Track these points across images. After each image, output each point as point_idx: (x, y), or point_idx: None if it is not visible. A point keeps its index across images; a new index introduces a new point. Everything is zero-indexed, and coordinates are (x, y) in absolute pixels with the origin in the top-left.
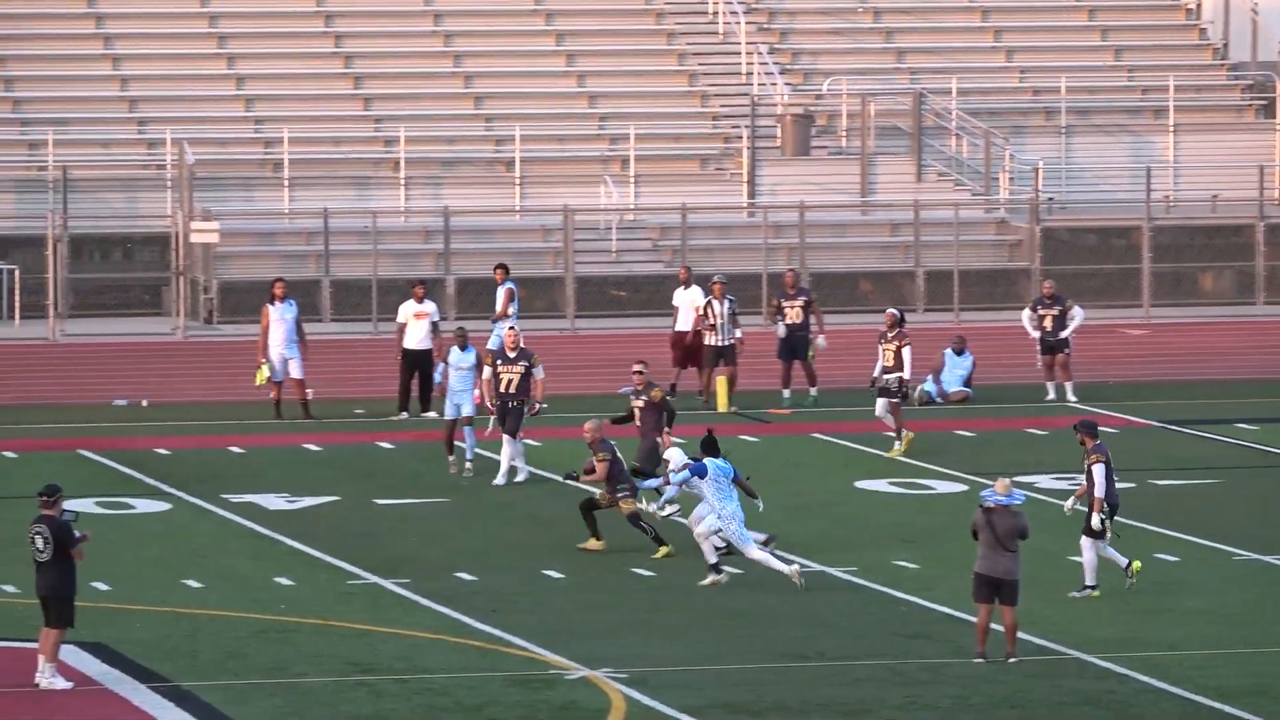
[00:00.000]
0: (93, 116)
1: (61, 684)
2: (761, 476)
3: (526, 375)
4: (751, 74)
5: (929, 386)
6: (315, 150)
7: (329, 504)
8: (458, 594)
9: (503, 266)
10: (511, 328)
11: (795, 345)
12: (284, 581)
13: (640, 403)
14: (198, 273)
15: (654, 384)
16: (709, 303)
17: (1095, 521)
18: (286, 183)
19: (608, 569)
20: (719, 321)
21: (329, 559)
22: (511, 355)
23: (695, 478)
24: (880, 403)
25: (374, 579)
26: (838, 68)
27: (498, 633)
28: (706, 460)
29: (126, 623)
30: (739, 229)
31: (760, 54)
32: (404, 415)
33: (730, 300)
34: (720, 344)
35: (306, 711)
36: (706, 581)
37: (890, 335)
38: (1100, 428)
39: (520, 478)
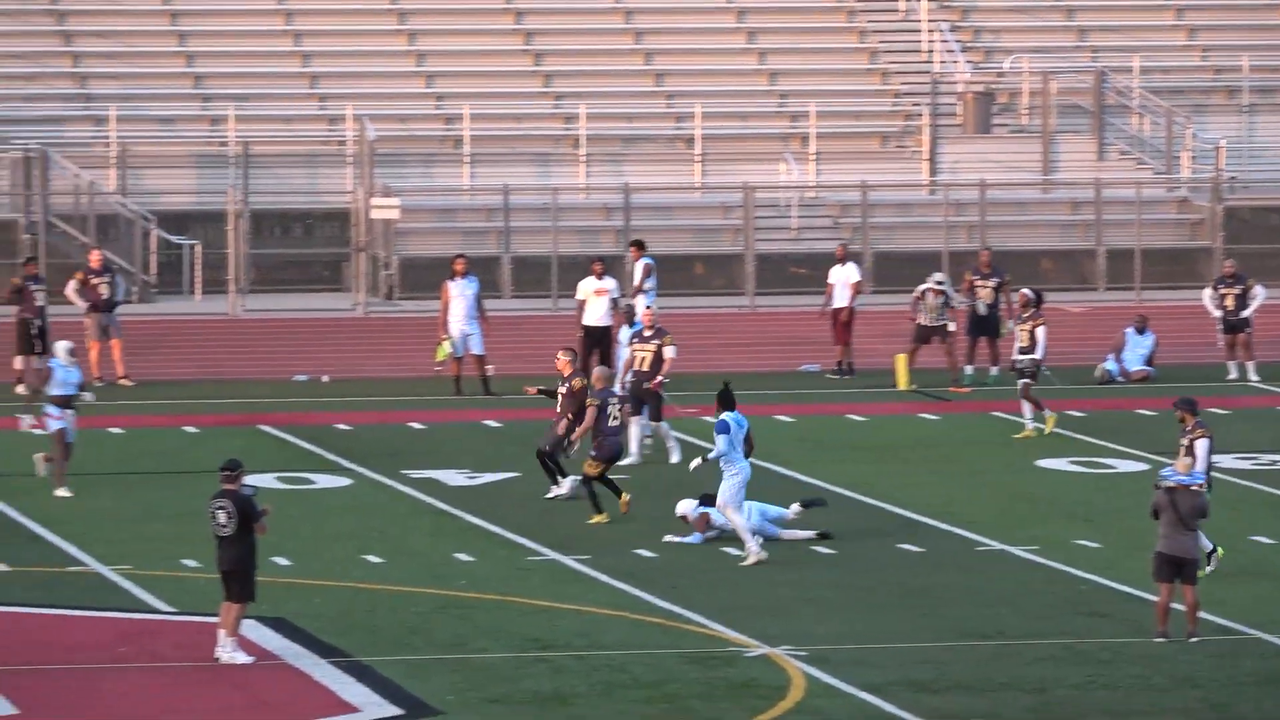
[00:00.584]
0: (274, 93)
1: (242, 658)
2: (941, 455)
3: (659, 354)
4: (933, 52)
5: (1110, 365)
6: (496, 127)
7: (509, 480)
8: (637, 570)
9: (638, 243)
10: (649, 306)
11: (987, 324)
12: (464, 557)
13: (563, 389)
14: (378, 249)
15: (579, 374)
16: (925, 292)
17: None
18: (467, 159)
19: (787, 546)
20: (939, 301)
21: (509, 535)
22: (648, 334)
23: (721, 436)
24: (1021, 384)
25: (553, 555)
26: (1019, 46)
27: (677, 609)
28: (725, 415)
29: (307, 597)
30: (919, 207)
31: (942, 31)
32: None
33: (941, 282)
34: (930, 324)
35: (486, 687)
36: (749, 561)
37: (1025, 316)
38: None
39: (674, 458)
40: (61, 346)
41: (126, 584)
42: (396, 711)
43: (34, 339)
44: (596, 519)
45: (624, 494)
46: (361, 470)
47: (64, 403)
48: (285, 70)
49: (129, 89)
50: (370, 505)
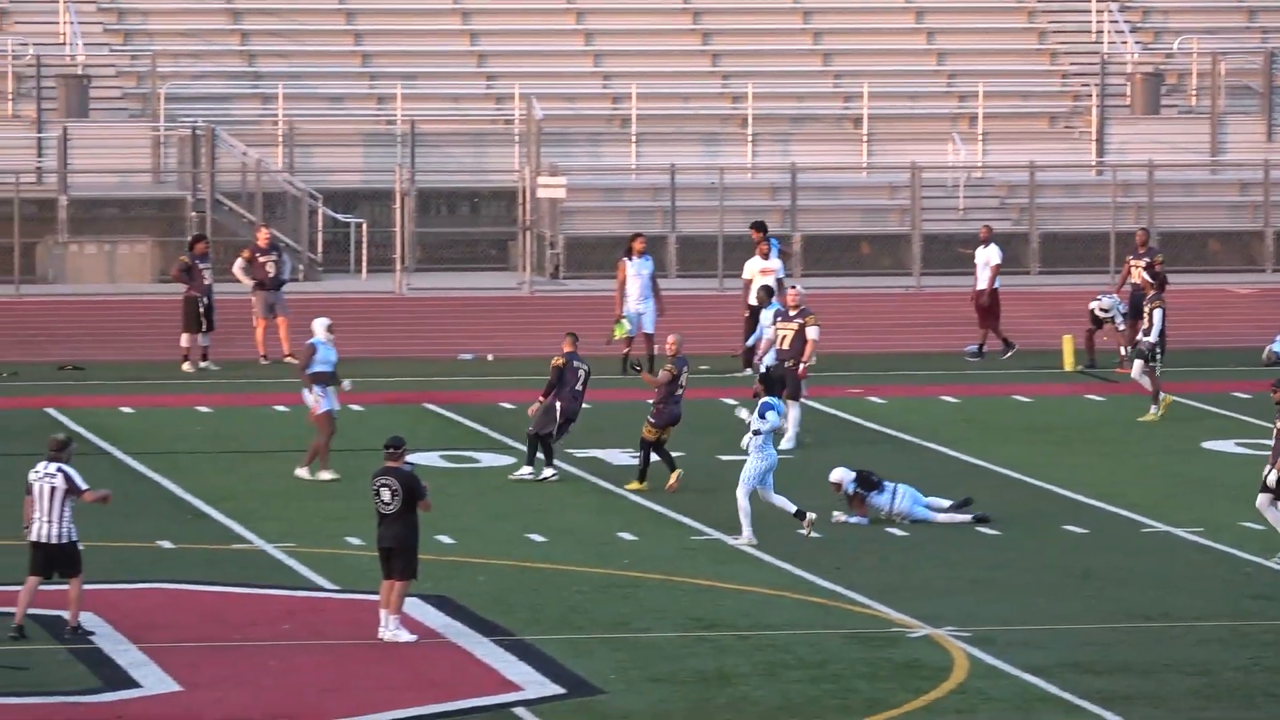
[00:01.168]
0: (442, 71)
1: (405, 636)
2: (1106, 437)
3: (801, 333)
4: (1102, 32)
5: (1278, 346)
6: (663, 106)
7: (673, 459)
8: (800, 550)
9: (759, 225)
10: (793, 286)
11: (1138, 304)
12: (627, 536)
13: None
14: (544, 228)
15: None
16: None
17: (1273, 478)
18: (634, 138)
19: (953, 529)
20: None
21: (673, 514)
22: (792, 314)
23: (771, 413)
24: (1136, 365)
25: (717, 534)
26: (1188, 26)
27: (840, 589)
28: (772, 399)
29: (471, 576)
30: (1087, 187)
31: (1110, 12)
32: (749, 371)
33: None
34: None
35: (649, 666)
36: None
37: (1150, 298)
38: None
39: (787, 444)
40: (320, 324)
41: (290, 561)
42: (559, 690)
43: (201, 316)
44: (634, 486)
45: (676, 469)
46: (525, 449)
47: (325, 380)
48: (453, 49)
49: (297, 67)
50: (534, 484)
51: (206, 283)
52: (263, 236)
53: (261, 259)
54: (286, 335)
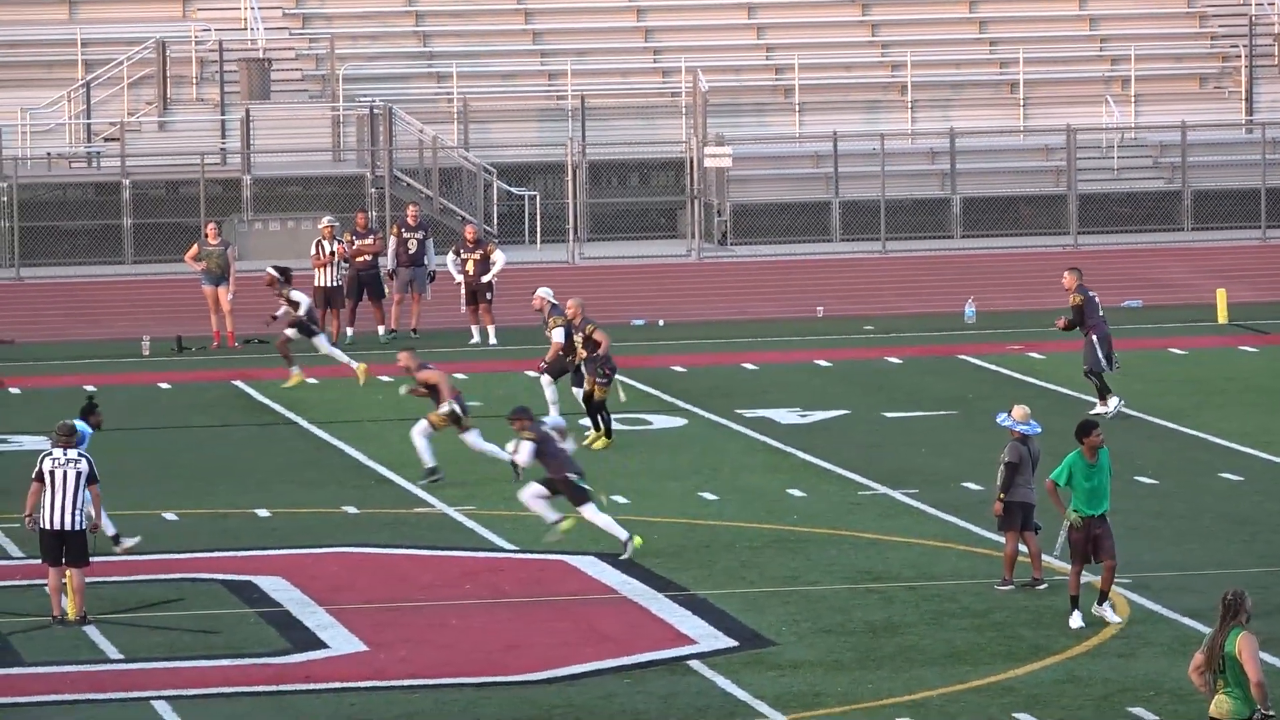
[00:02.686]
0: (610, 47)
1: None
2: (1260, 386)
3: None
4: None
5: None
6: (824, 76)
7: (839, 417)
8: (965, 503)
9: None
10: None
11: None
12: (796, 493)
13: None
14: (711, 196)
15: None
16: None
17: None
18: (797, 107)
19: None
20: None
21: (840, 470)
22: None
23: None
24: None
25: (883, 489)
26: None
27: (1003, 540)
28: None
29: (645, 534)
30: (1238, 146)
31: None
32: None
33: None
34: None
35: (819, 618)
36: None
37: None
38: None
39: None
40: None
41: (470, 524)
42: (731, 643)
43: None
44: (602, 443)
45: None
46: (697, 410)
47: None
48: (621, 25)
49: (470, 46)
50: (705, 444)
51: (410, 253)
52: (411, 214)
53: (406, 235)
54: (417, 313)
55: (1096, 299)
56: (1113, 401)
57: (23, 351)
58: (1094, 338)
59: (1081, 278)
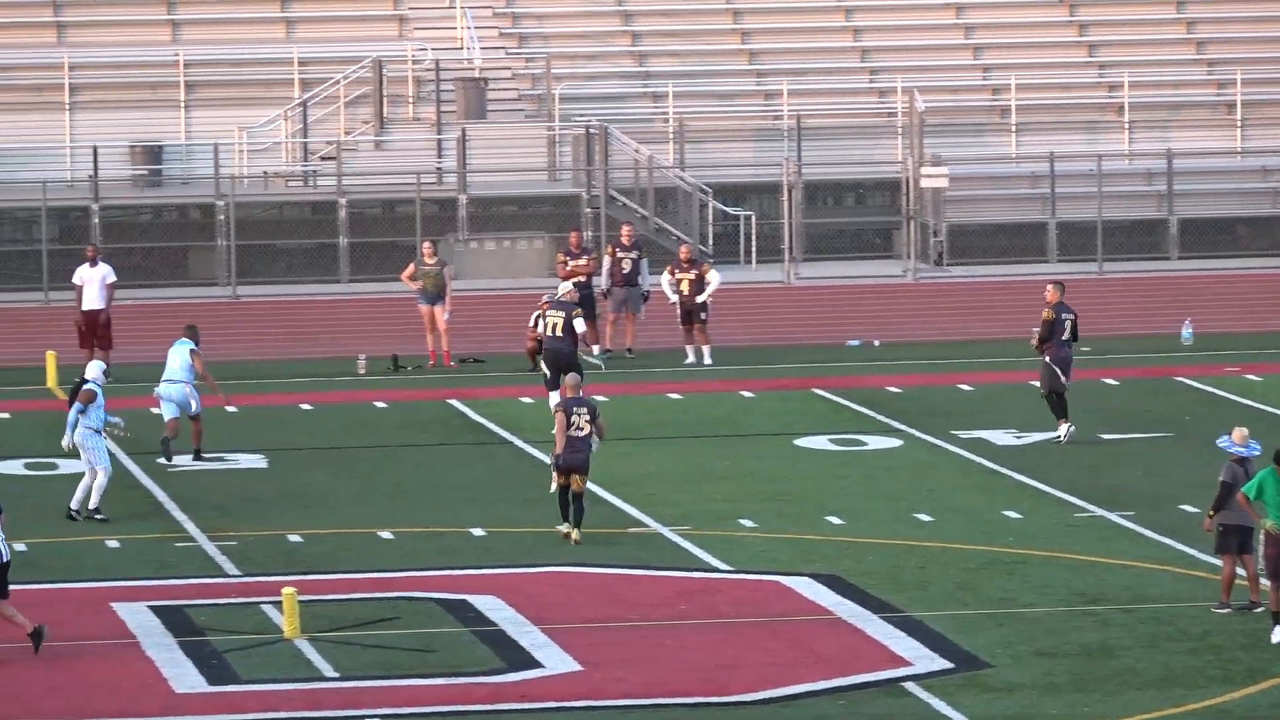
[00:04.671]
0: (826, 66)
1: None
2: None
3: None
4: None
5: None
6: (1041, 96)
7: (1055, 439)
8: (1181, 526)
9: None
10: None
11: None
12: (1012, 514)
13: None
14: (928, 216)
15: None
16: None
17: None
18: (1014, 128)
19: None
20: None
21: (1056, 492)
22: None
23: None
24: None
25: (1100, 511)
26: None
27: (1220, 563)
28: None
29: (860, 555)
30: None
31: None
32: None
33: None
34: None
35: (1034, 640)
36: None
37: None
38: None
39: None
40: None
41: (685, 544)
42: (947, 665)
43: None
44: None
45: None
46: (912, 431)
47: None
48: (837, 45)
49: (686, 66)
50: (921, 465)
51: (625, 272)
52: (626, 234)
53: (621, 255)
54: (632, 333)
55: (1069, 322)
56: (1061, 429)
57: (239, 370)
58: (1047, 359)
59: (1064, 294)
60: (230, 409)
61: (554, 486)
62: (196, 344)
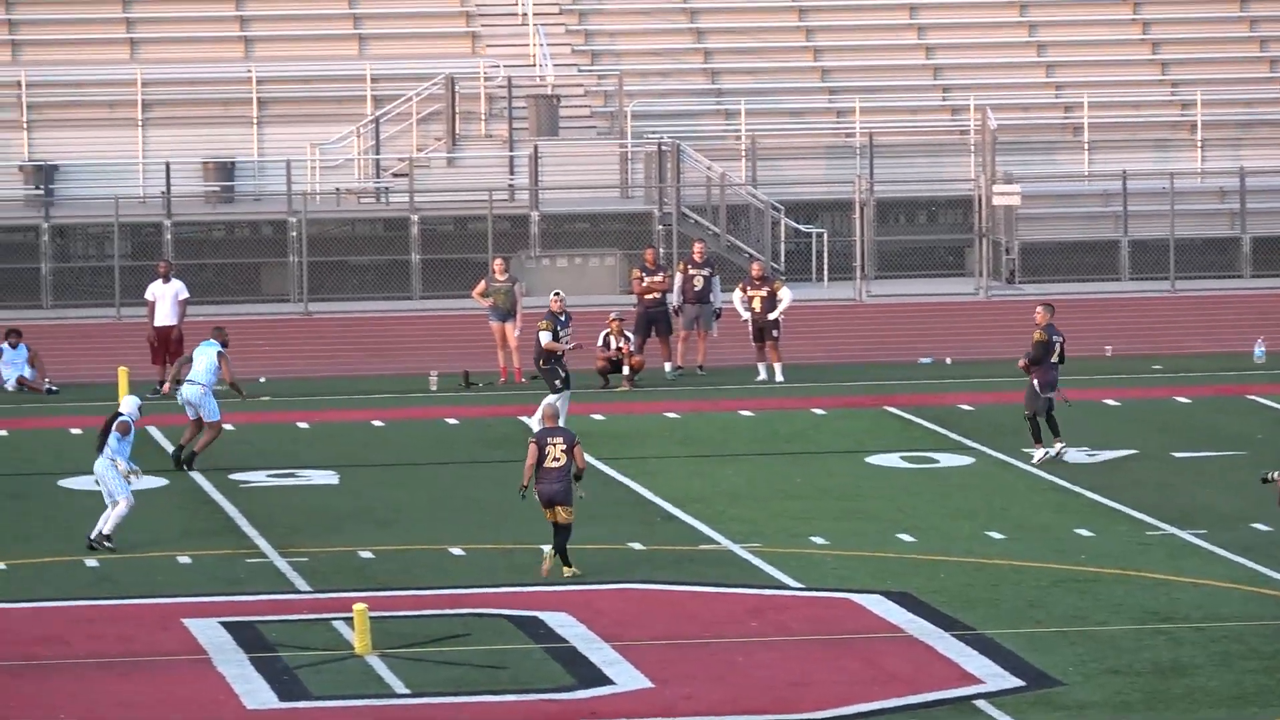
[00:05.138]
0: (898, 84)
1: None
2: None
3: None
4: None
5: None
6: (1114, 114)
7: (1127, 457)
8: (1254, 544)
9: None
10: None
11: None
12: (1084, 533)
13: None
14: (1000, 234)
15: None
16: None
17: None
18: (1086, 145)
19: None
20: None
21: (1128, 510)
22: None
23: None
24: None
25: (1171, 529)
26: None
27: None
28: None
29: (932, 573)
30: None
31: None
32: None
33: None
34: None
35: (1106, 659)
36: None
37: None
38: None
39: None
40: None
41: (756, 561)
42: (1018, 683)
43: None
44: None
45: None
46: (984, 449)
47: None
48: (910, 62)
49: (759, 83)
50: (992, 483)
51: (696, 289)
52: (698, 251)
53: (693, 272)
54: (703, 350)
55: (1058, 344)
56: (1038, 452)
57: (310, 386)
58: (1036, 382)
59: (1053, 316)
60: (302, 425)
61: (547, 558)
62: (225, 347)
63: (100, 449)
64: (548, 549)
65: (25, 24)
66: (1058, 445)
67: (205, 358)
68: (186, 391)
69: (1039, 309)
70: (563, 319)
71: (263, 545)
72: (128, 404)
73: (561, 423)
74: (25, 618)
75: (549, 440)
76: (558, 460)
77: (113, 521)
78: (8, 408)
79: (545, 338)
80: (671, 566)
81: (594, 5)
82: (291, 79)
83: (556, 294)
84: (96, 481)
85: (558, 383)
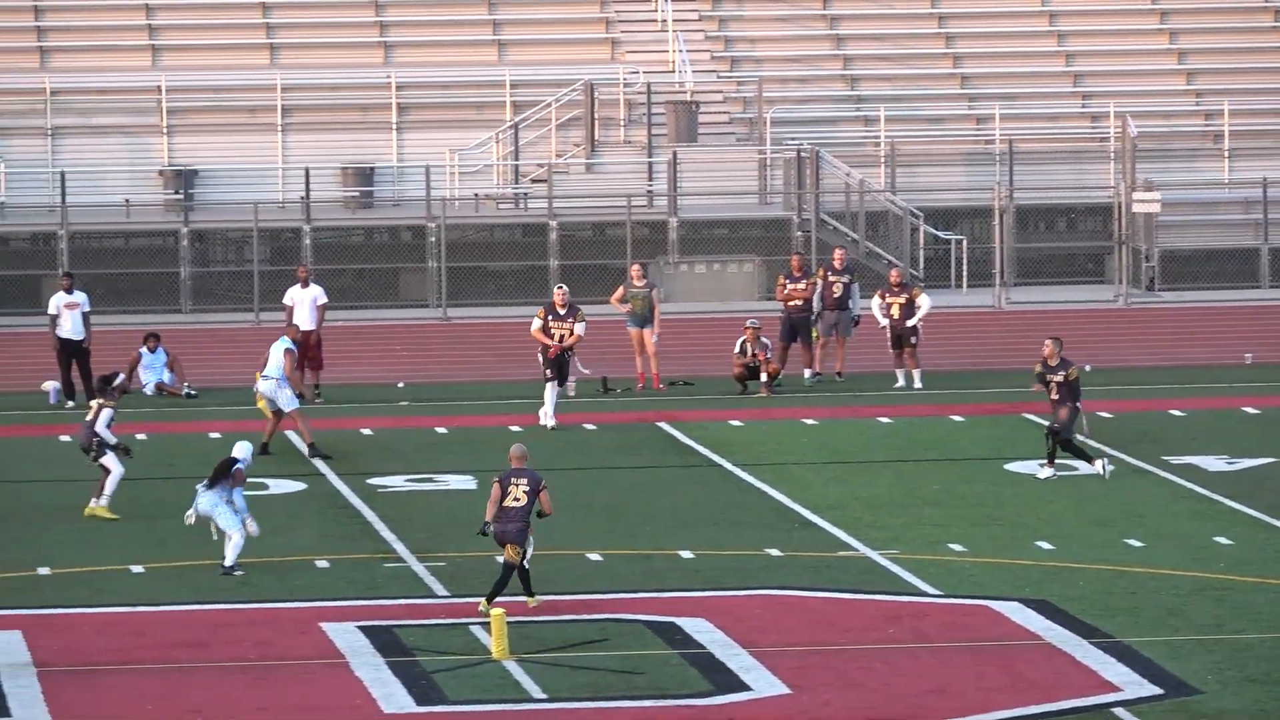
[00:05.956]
0: (1038, 91)
1: None
2: None
3: None
4: None
5: None
6: (1255, 121)
7: (1268, 465)
8: None
9: None
10: None
11: None
12: (1222, 540)
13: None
14: (1139, 241)
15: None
16: None
17: None
18: (1226, 153)
19: None
20: None
21: (1267, 518)
22: None
23: None
24: None
25: None
26: None
27: None
28: None
29: (1070, 580)
30: None
31: None
32: None
33: None
34: None
35: (1245, 667)
36: None
37: None
38: None
39: None
40: None
41: (894, 568)
42: (1156, 691)
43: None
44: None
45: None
46: (1123, 456)
47: None
48: (1049, 69)
49: (898, 90)
50: (1131, 490)
51: (835, 295)
52: (838, 257)
53: (832, 279)
54: (841, 355)
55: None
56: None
57: (448, 391)
58: (1079, 404)
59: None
60: (440, 430)
61: (481, 602)
62: (296, 344)
63: (211, 485)
64: (531, 601)
65: (165, 29)
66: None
67: (276, 354)
68: (262, 386)
69: (1048, 343)
70: (562, 312)
71: (400, 550)
72: (242, 450)
73: (549, 413)
74: (165, 621)
75: (512, 480)
76: (518, 500)
77: (233, 554)
78: (147, 411)
79: (535, 324)
80: (809, 573)
81: (733, 11)
82: (430, 85)
83: (560, 287)
84: (193, 515)
85: (548, 372)
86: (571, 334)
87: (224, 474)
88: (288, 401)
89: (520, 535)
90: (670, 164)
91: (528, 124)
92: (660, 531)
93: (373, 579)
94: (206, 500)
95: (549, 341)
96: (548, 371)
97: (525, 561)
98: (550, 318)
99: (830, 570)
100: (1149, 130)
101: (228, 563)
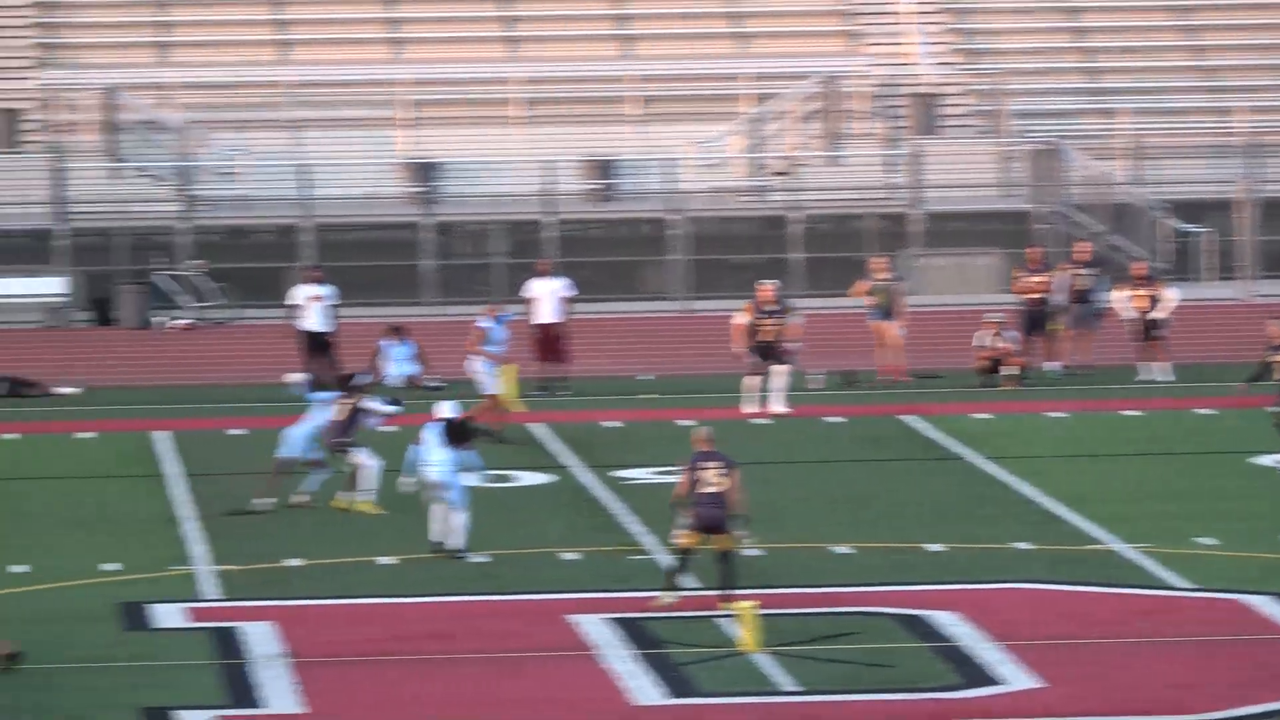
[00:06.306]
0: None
1: None
2: None
3: None
4: None
5: None
6: None
7: None
8: None
9: None
10: None
11: None
12: None
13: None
14: None
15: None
16: None
17: None
18: None
19: None
20: None
21: None
22: None
23: None
24: None
25: None
26: None
27: None
28: None
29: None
30: None
31: None
32: None
33: None
34: None
35: None
36: None
37: None
38: None
39: None
40: None
41: (1145, 561)
42: None
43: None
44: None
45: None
46: None
47: None
48: None
49: (1140, 82)
50: None
51: (1078, 289)
52: (1085, 251)
53: (1080, 273)
54: (1068, 350)
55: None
56: None
57: (691, 384)
58: None
59: None
60: (683, 422)
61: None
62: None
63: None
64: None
65: (406, 22)
66: None
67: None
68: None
69: (1270, 323)
70: (771, 309)
71: (647, 542)
72: (449, 409)
73: (778, 400)
74: (414, 613)
75: (704, 465)
76: (715, 484)
77: (461, 534)
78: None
79: (739, 318)
80: (1059, 566)
81: (973, 3)
82: (671, 77)
83: (766, 283)
84: (417, 481)
85: (757, 360)
86: (785, 327)
87: (466, 437)
88: (492, 385)
89: (728, 522)
90: (911, 157)
91: (768, 117)
92: (907, 524)
93: (619, 571)
94: (444, 468)
95: (743, 347)
96: (757, 359)
97: (736, 550)
98: (756, 314)
99: (1081, 564)
100: None
101: (458, 544)
